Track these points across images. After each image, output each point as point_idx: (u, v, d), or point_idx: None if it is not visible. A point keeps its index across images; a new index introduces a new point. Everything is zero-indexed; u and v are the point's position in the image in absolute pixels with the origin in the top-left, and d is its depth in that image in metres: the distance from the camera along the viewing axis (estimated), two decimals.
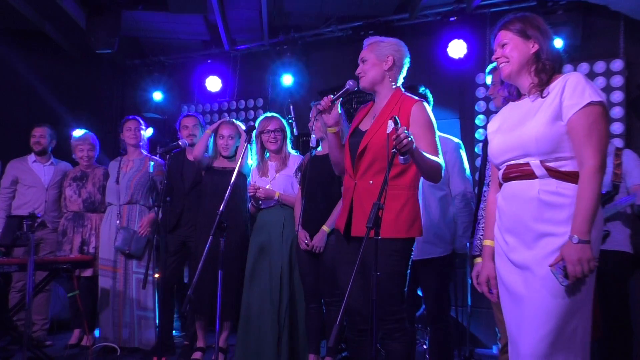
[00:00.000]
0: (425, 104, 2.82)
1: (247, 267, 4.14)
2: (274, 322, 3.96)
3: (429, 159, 2.62)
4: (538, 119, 2.13)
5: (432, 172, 2.68)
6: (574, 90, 2.08)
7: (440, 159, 2.72)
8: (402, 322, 2.76)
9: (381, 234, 2.52)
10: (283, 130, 4.20)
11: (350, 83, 2.89)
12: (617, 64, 4.85)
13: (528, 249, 2.13)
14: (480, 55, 5.42)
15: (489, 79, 3.33)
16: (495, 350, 4.95)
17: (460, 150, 3.79)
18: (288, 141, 4.26)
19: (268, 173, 4.16)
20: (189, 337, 4.48)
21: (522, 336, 2.11)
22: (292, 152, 4.31)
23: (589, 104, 2.04)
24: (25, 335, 3.82)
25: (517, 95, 2.35)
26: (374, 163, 2.76)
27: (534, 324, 2.06)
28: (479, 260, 2.58)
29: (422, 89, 3.81)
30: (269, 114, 4.28)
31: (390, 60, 2.90)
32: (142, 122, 5.00)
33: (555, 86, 2.15)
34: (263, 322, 3.98)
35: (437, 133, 2.81)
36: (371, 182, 2.75)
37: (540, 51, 2.22)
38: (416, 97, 2.85)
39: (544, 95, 2.17)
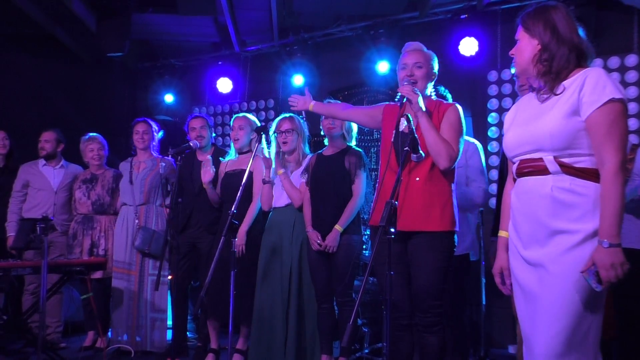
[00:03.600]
0: (458, 107, 3.01)
1: (259, 269, 4.13)
2: (283, 322, 3.95)
3: (437, 140, 2.83)
4: (554, 114, 2.08)
5: (438, 156, 2.85)
6: (594, 86, 2.01)
7: (453, 150, 2.87)
8: (441, 315, 2.91)
9: (429, 228, 2.85)
10: (296, 130, 4.13)
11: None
12: (632, 59, 4.79)
13: (541, 246, 2.09)
14: (491, 52, 5.38)
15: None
16: (511, 350, 4.90)
17: (479, 152, 3.81)
18: (303, 141, 4.20)
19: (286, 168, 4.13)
20: (201, 339, 4.48)
21: (535, 334, 2.08)
22: (309, 152, 4.26)
23: (610, 100, 1.98)
24: (39, 337, 3.83)
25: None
26: (423, 162, 2.92)
27: (547, 322, 2.02)
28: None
29: (442, 89, 3.84)
30: (285, 115, 4.21)
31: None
32: (152, 124, 4.99)
33: (574, 81, 2.08)
34: (274, 322, 3.97)
35: (463, 135, 2.99)
36: (417, 179, 2.90)
37: (542, 49, 2.15)
38: (450, 102, 3.10)
39: (557, 92, 2.10)
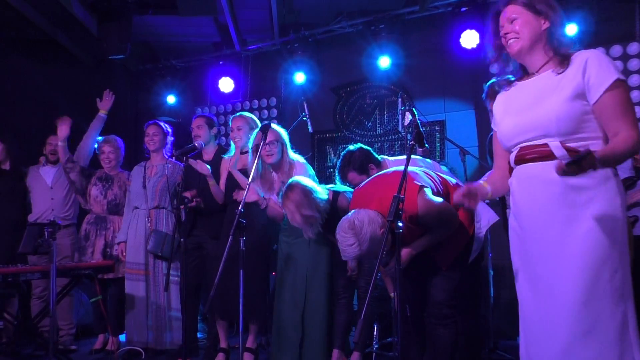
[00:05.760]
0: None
1: (277, 276, 4.17)
2: (298, 323, 3.98)
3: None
4: (558, 97, 2.04)
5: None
6: (599, 67, 2.00)
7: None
8: (454, 308, 3.01)
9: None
10: (278, 140, 3.97)
11: None
12: (634, 47, 4.78)
13: (552, 230, 2.05)
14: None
15: None
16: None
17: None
18: (288, 150, 4.04)
19: (274, 186, 4.04)
20: (211, 339, 4.49)
21: (555, 323, 2.02)
22: (298, 158, 4.12)
23: (617, 80, 1.98)
24: (50, 341, 3.85)
25: (521, 74, 2.27)
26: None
27: (567, 309, 1.98)
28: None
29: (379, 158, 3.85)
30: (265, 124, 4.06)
31: None
32: (162, 126, 4.99)
33: (573, 63, 2.06)
34: (290, 326, 4.01)
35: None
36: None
37: (552, 27, 2.13)
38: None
39: (559, 72, 2.08)
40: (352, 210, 2.85)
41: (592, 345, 1.94)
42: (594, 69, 2.00)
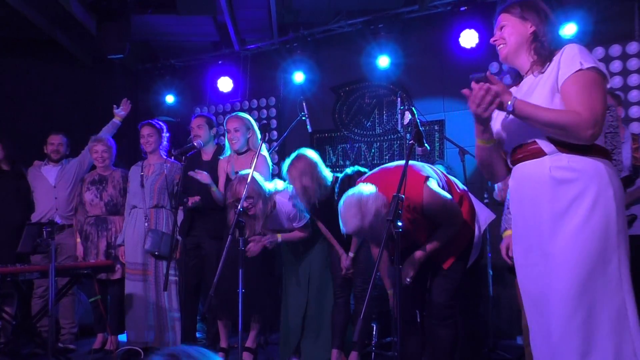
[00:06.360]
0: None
1: (283, 280, 4.23)
2: (298, 326, 4.00)
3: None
4: (538, 94, 2.09)
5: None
6: (566, 59, 2.05)
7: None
8: (454, 308, 3.03)
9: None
10: (257, 195, 3.85)
11: None
12: (633, 47, 4.77)
13: (548, 232, 2.06)
14: (492, 44, 5.37)
15: None
16: (519, 340, 4.90)
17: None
18: (266, 193, 3.93)
19: (255, 226, 3.98)
20: (210, 338, 4.48)
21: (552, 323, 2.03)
22: (279, 185, 4.06)
23: (579, 70, 2.00)
24: (49, 341, 3.84)
25: (517, 79, 2.32)
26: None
27: (563, 307, 1.98)
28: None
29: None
30: (240, 175, 3.94)
31: None
32: (157, 126, 4.98)
33: (553, 61, 2.11)
34: (293, 327, 4.05)
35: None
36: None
37: (537, 31, 2.18)
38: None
39: (542, 72, 2.14)
40: (358, 184, 2.84)
41: (587, 338, 1.95)
42: (563, 62, 2.06)
